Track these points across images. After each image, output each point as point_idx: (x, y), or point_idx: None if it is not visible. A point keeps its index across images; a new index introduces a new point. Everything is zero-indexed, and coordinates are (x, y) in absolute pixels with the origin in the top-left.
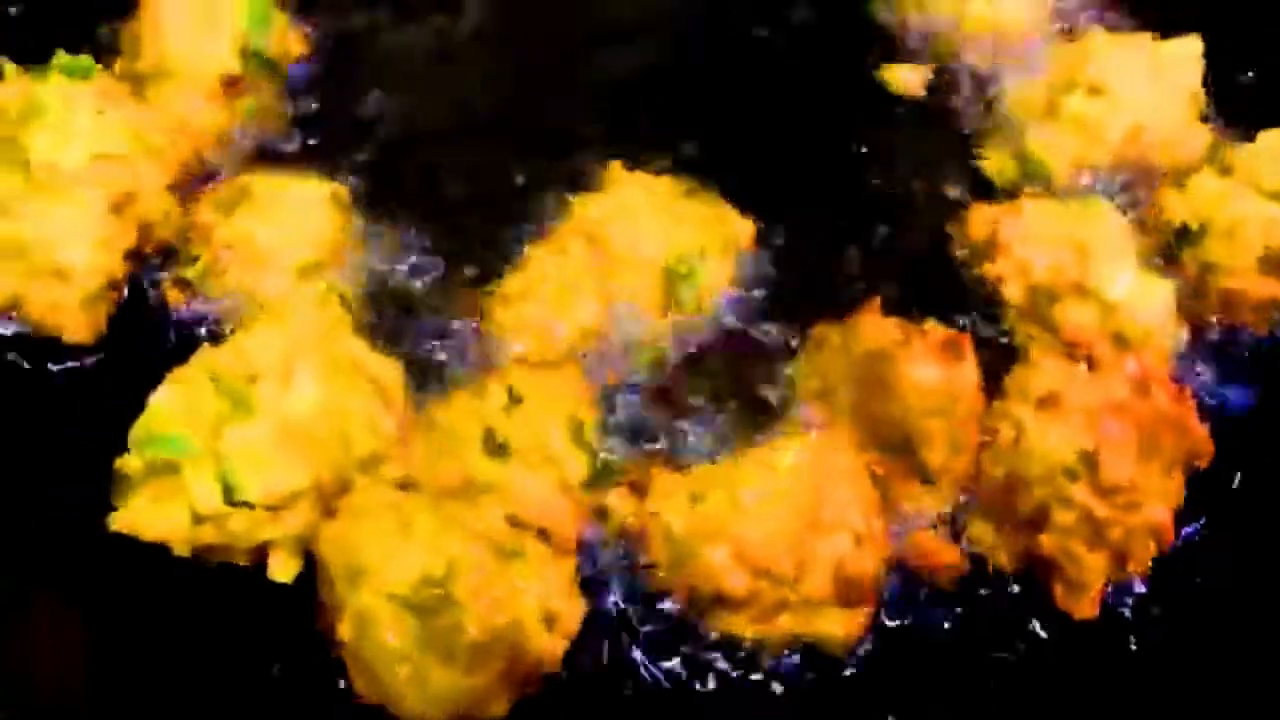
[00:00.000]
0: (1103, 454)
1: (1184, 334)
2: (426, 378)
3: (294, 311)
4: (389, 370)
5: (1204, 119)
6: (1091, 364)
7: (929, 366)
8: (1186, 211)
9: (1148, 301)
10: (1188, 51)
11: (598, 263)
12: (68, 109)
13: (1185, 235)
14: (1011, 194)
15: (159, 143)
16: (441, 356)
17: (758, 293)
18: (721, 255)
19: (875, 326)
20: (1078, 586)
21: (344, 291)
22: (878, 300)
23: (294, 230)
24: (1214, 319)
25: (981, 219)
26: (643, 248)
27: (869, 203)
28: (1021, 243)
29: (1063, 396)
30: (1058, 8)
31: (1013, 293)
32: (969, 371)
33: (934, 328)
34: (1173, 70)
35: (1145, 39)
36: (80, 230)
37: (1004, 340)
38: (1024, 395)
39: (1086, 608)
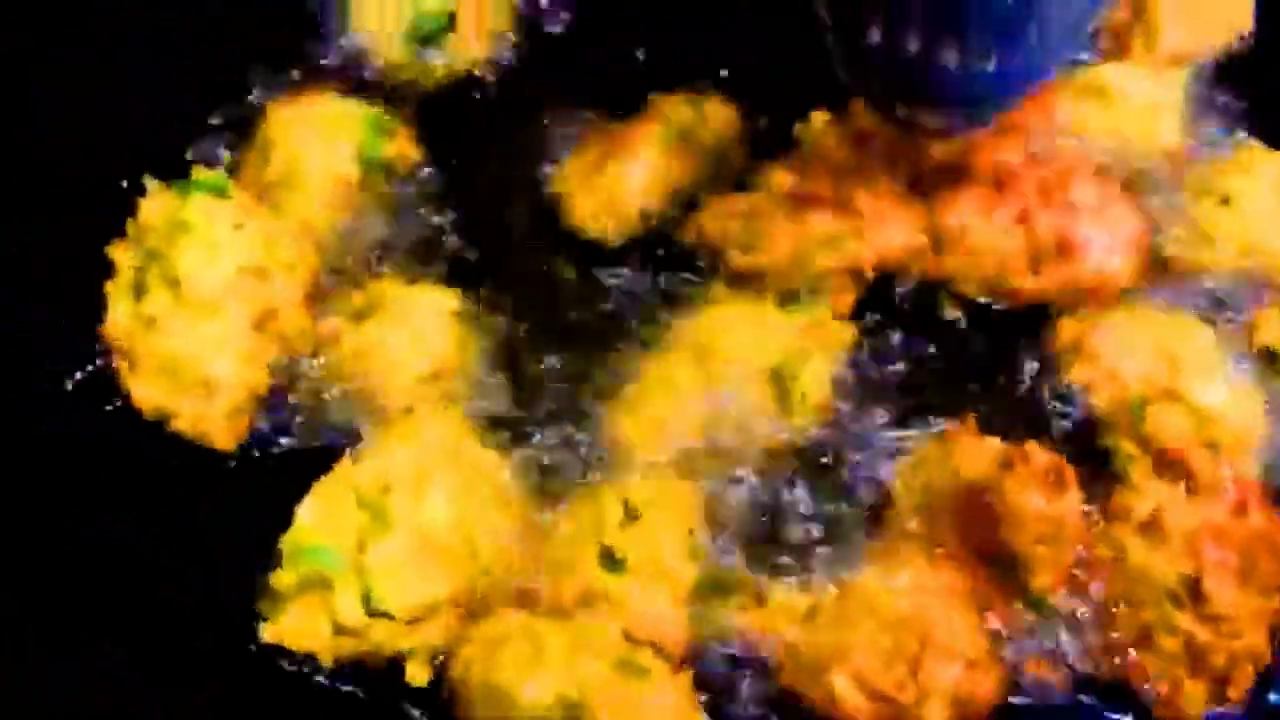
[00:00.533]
0: (1207, 580)
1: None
2: (542, 482)
3: (421, 421)
4: (509, 478)
5: None
6: (1188, 479)
7: (1034, 497)
8: (1275, 337)
9: (1240, 410)
10: None
11: (708, 373)
12: (210, 225)
13: (1274, 360)
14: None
15: (291, 255)
16: (556, 461)
17: (858, 397)
18: (825, 358)
19: (974, 448)
20: (1178, 711)
21: (464, 399)
22: (972, 419)
23: (419, 340)
24: None
25: (1071, 327)
26: (750, 355)
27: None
28: (1111, 351)
29: (1164, 520)
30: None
31: (1102, 401)
32: (1073, 499)
33: (1035, 451)
34: None
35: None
36: (226, 345)
37: (1093, 451)
38: (1126, 518)
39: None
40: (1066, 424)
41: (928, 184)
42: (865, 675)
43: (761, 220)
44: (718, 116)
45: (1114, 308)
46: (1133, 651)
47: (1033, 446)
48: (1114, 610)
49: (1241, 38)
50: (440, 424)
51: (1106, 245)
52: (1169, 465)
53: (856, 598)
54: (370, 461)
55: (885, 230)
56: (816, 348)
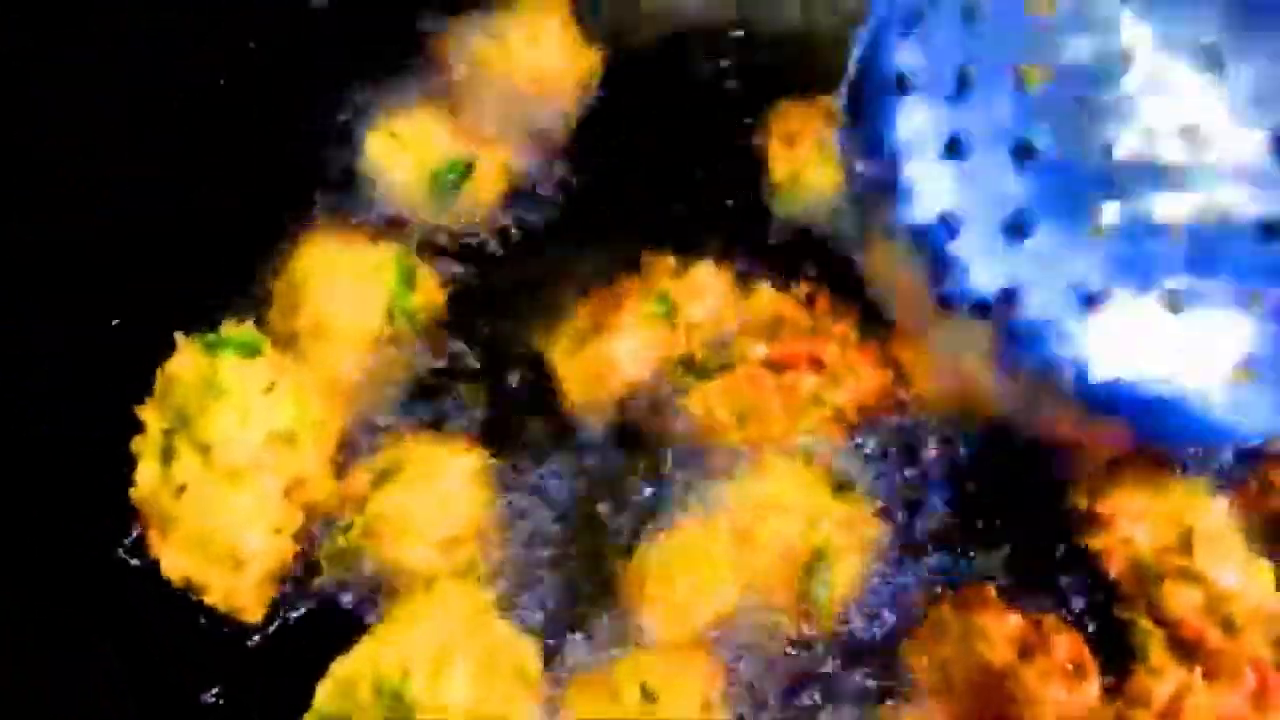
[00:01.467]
0: None
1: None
2: (560, 651)
3: (442, 596)
4: (528, 653)
5: None
6: (1206, 661)
7: (1055, 687)
8: None
9: (1255, 585)
10: None
11: (737, 549)
12: (242, 388)
13: None
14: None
15: (320, 413)
16: (575, 636)
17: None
18: (857, 556)
19: (995, 624)
20: None
21: (485, 566)
22: (992, 591)
23: (442, 504)
24: None
25: (1088, 490)
26: (783, 541)
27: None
28: (1127, 520)
29: (1184, 708)
30: None
31: (1118, 571)
32: (1093, 688)
33: (1056, 638)
34: None
35: None
36: (257, 517)
37: (1111, 622)
38: (1146, 703)
39: None
40: (1084, 594)
41: None
42: None
43: (743, 394)
44: (706, 282)
45: (1132, 469)
46: None
47: (1054, 628)
48: None
49: None
50: (461, 598)
51: None
52: (1186, 644)
53: None
54: (389, 642)
55: (860, 375)
56: (849, 545)
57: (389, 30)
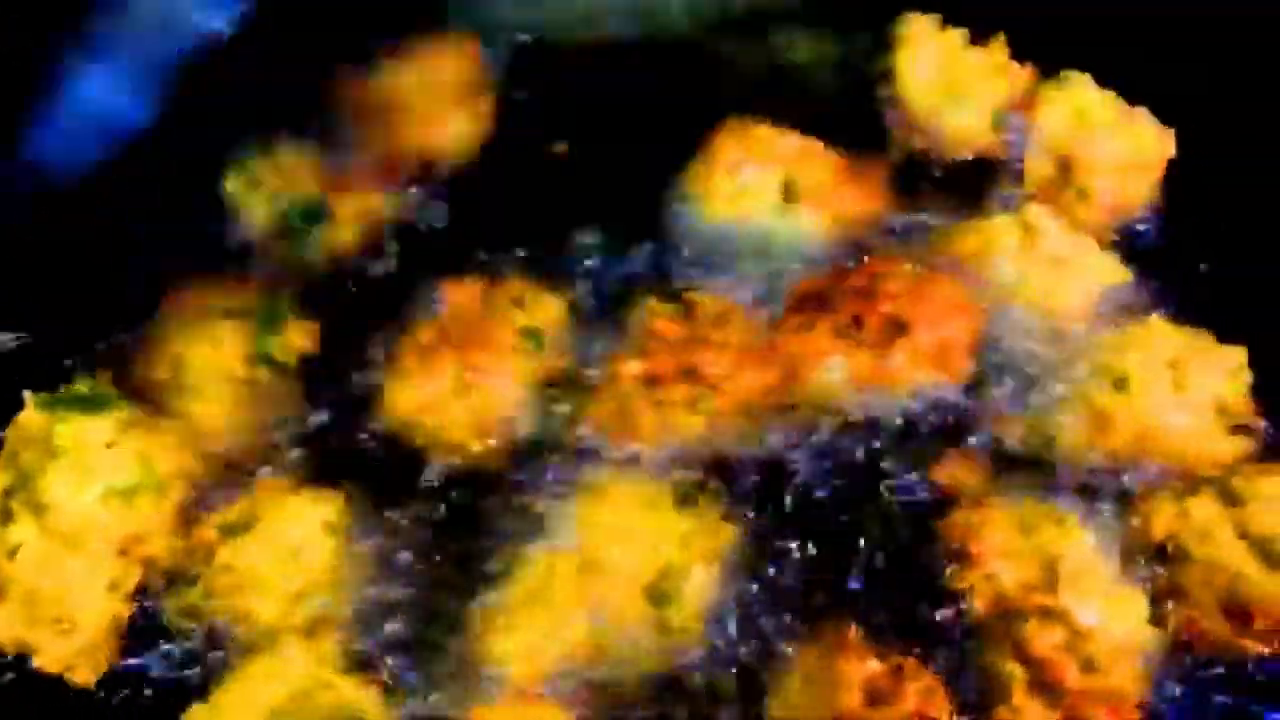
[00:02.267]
0: None
1: (1157, 645)
2: (409, 705)
3: (282, 655)
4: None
5: (1241, 430)
6: (1066, 703)
7: None
8: (1167, 531)
9: (1120, 621)
10: (1229, 361)
11: (584, 581)
12: (81, 447)
13: (1162, 556)
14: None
15: (169, 467)
16: (426, 687)
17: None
18: (708, 570)
19: (853, 667)
20: None
21: (331, 617)
22: (852, 632)
23: (291, 557)
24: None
25: (958, 526)
26: (629, 567)
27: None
28: (992, 556)
29: None
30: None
31: (983, 608)
32: None
33: (912, 685)
34: (1206, 377)
35: (1185, 340)
36: (90, 578)
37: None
38: None
39: None
40: (954, 635)
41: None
42: None
43: (622, 409)
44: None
45: (997, 504)
46: None
47: (913, 673)
48: None
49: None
50: (304, 655)
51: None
52: (1048, 685)
53: None
54: (221, 708)
55: (739, 380)
56: (699, 556)
57: (268, 72)
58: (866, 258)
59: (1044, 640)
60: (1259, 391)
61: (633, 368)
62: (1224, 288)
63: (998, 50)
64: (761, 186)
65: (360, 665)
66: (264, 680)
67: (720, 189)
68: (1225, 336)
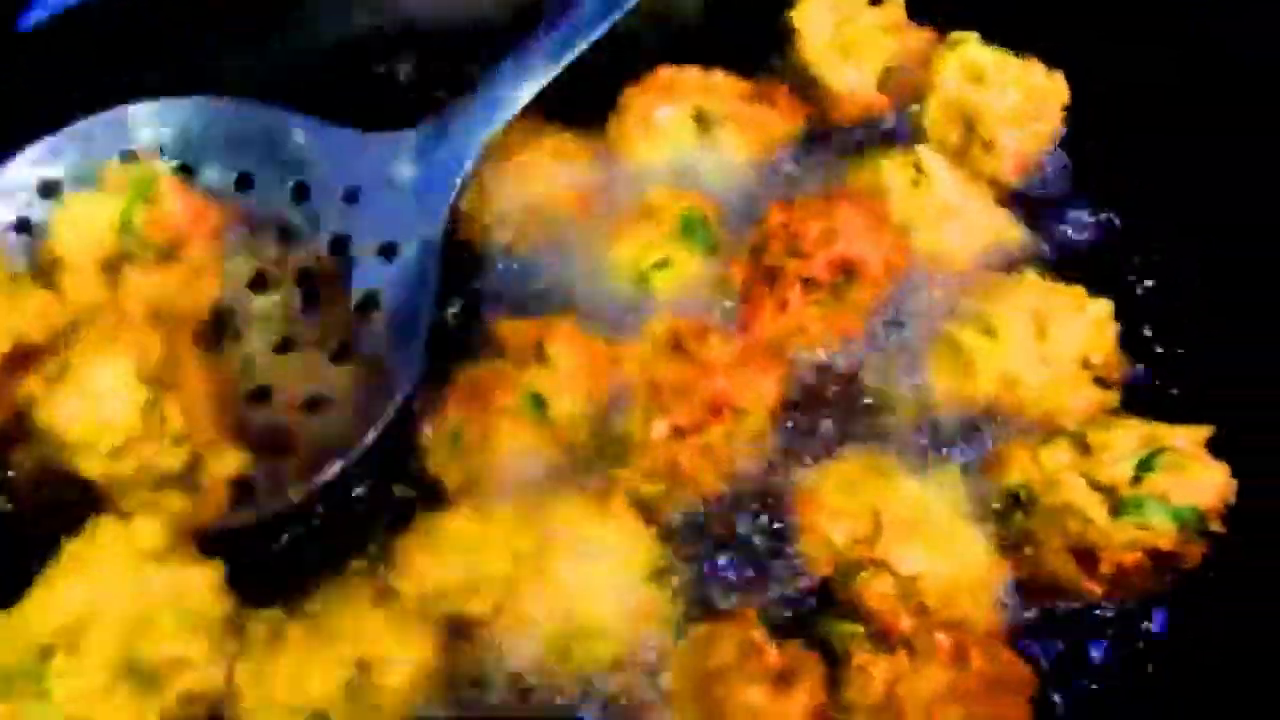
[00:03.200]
0: None
1: (1004, 577)
2: None
3: (104, 541)
4: (205, 589)
5: (1103, 383)
6: (907, 646)
7: (755, 691)
8: (1021, 478)
9: (950, 564)
10: (1092, 314)
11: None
12: None
13: (1013, 502)
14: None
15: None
16: None
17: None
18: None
19: (726, 639)
20: None
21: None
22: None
23: (109, 411)
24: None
25: (791, 495)
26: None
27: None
28: (825, 518)
29: (898, 697)
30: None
31: (823, 571)
32: (800, 698)
33: (768, 648)
34: (1071, 328)
35: (1053, 291)
36: None
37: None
38: (862, 701)
39: None
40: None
41: None
42: None
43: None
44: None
45: (831, 467)
46: None
47: (765, 641)
48: None
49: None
50: (124, 542)
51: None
52: (885, 636)
53: None
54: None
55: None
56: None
57: None
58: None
59: (875, 592)
60: (1126, 344)
61: (662, 428)
62: (1103, 243)
63: (895, 8)
64: (676, 123)
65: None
66: (76, 576)
67: (638, 135)
68: (1100, 290)
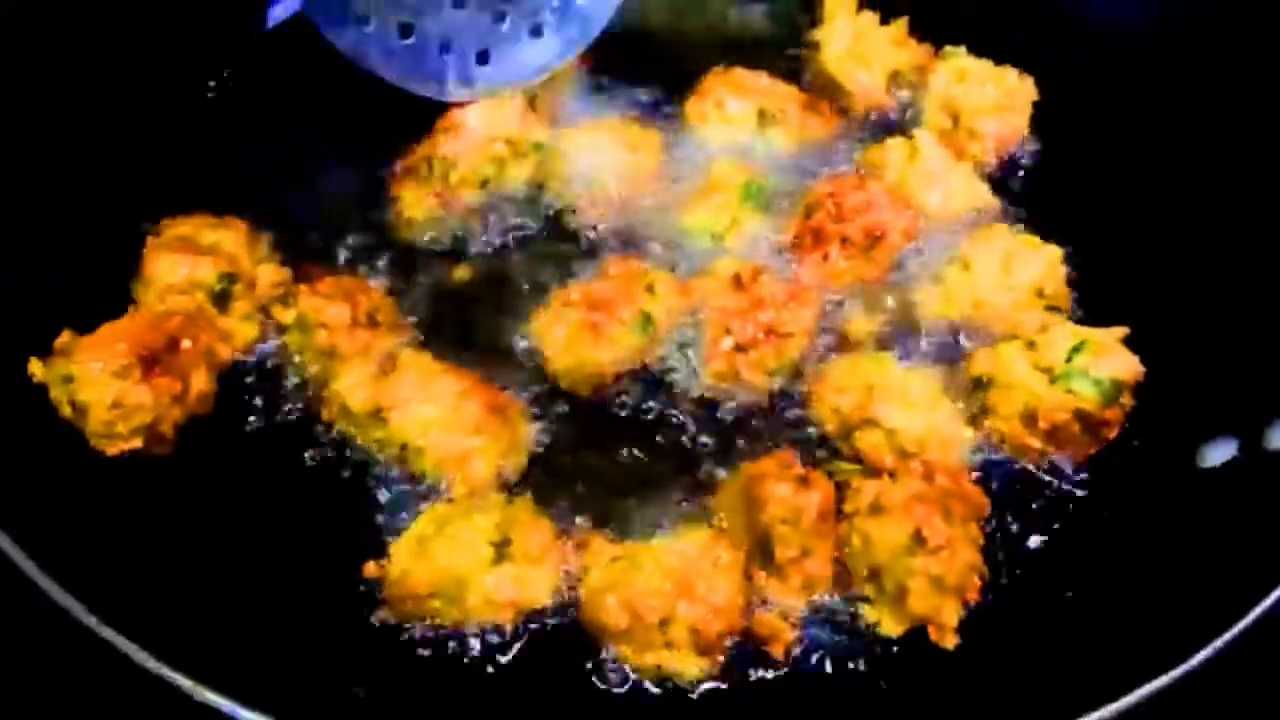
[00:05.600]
0: (925, 530)
1: (968, 439)
2: None
3: None
4: None
5: (1054, 309)
6: (891, 475)
7: (784, 487)
8: (984, 368)
9: (920, 420)
10: (1046, 256)
11: None
12: None
13: (978, 384)
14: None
15: None
16: None
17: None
18: None
19: (764, 465)
20: (942, 628)
21: None
22: (788, 451)
23: None
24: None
25: (813, 373)
26: None
27: None
28: (832, 392)
29: (883, 501)
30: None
31: (831, 428)
32: (815, 496)
33: (794, 461)
34: (1029, 265)
35: (1017, 238)
36: None
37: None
38: (857, 510)
39: (950, 639)
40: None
41: None
42: (629, 599)
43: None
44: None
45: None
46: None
47: (793, 459)
48: (875, 574)
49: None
50: None
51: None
52: (874, 471)
53: (650, 552)
54: None
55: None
56: None
57: None
58: (827, 170)
59: (869, 442)
60: (1075, 285)
61: (728, 344)
62: (1061, 210)
63: (899, 28)
64: (743, 113)
65: None
66: None
67: (712, 115)
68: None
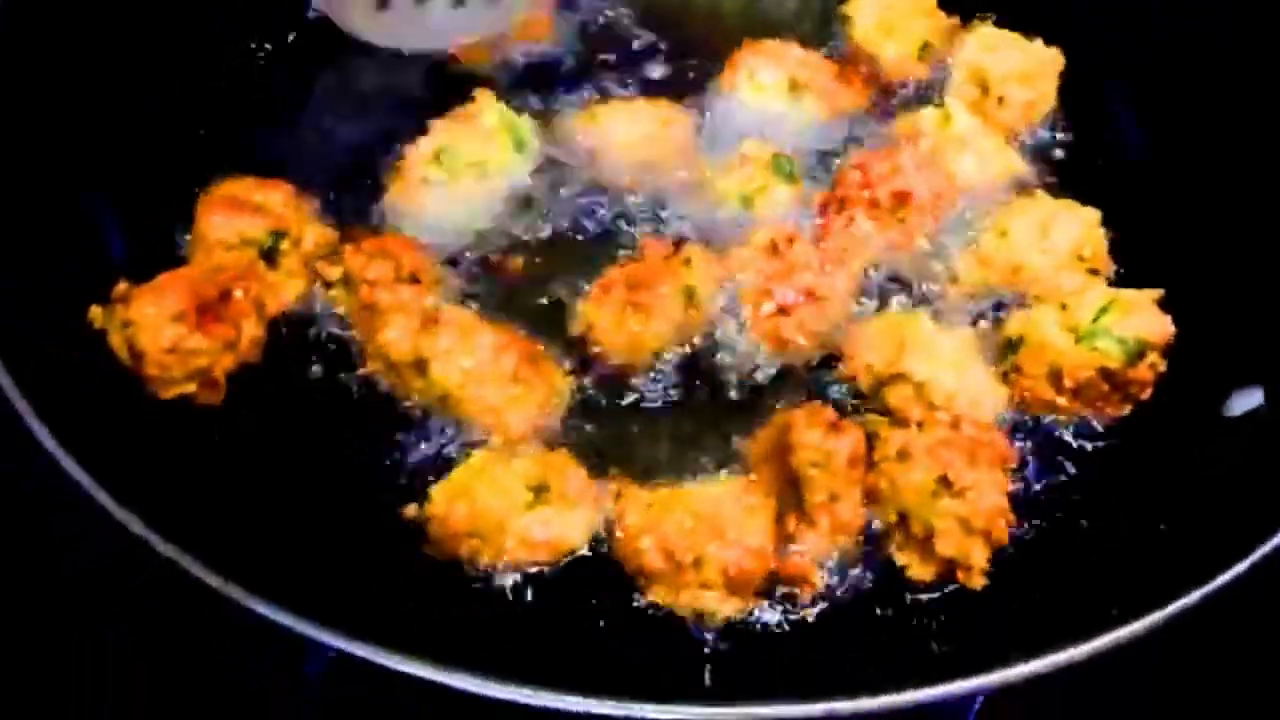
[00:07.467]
0: (950, 474)
1: (999, 397)
2: None
3: None
4: None
5: (1094, 272)
6: (919, 426)
7: (814, 433)
8: (1016, 329)
9: (948, 376)
10: (1084, 218)
11: None
12: None
13: (1009, 345)
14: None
15: None
16: None
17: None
18: None
19: (795, 414)
20: (969, 569)
21: None
22: (818, 404)
23: None
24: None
25: (849, 333)
26: None
27: None
28: (863, 348)
29: (910, 448)
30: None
31: (863, 383)
32: (845, 441)
33: (824, 409)
34: (1067, 229)
35: (1055, 203)
36: None
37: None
38: (885, 457)
39: (977, 580)
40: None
41: None
42: (664, 540)
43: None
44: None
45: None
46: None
47: (823, 407)
48: (903, 519)
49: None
50: None
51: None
52: (902, 422)
53: (684, 497)
54: None
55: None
56: None
57: None
58: (858, 140)
59: (897, 395)
60: (1113, 247)
61: (770, 308)
62: (1092, 176)
63: (928, 0)
64: (775, 83)
65: None
66: None
67: (745, 84)
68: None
